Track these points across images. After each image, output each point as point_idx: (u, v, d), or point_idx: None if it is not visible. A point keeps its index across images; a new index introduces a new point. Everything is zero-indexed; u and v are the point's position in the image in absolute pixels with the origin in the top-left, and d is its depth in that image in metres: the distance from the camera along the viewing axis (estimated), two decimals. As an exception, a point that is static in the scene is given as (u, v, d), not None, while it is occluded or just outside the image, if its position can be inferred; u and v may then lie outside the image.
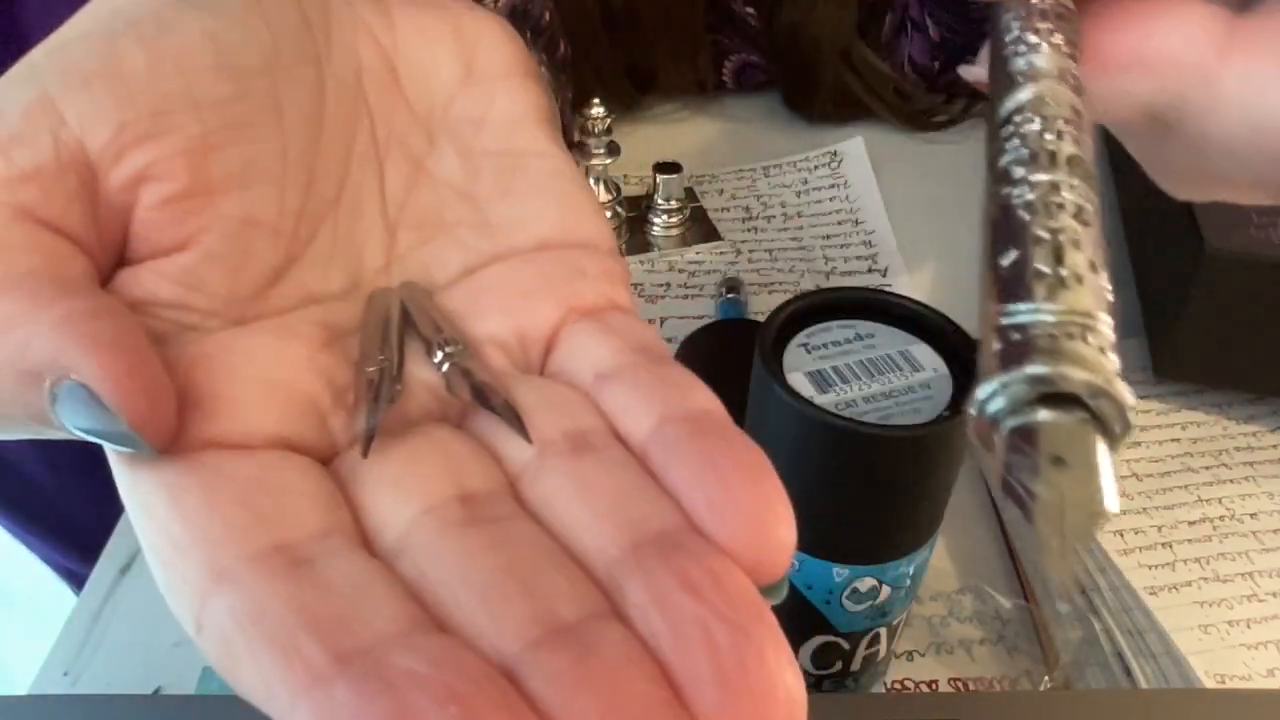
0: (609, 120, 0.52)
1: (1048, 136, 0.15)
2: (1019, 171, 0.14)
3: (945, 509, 0.29)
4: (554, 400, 0.18)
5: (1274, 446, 0.42)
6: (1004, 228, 0.14)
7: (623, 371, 0.18)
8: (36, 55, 0.18)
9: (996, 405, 0.13)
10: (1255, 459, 0.41)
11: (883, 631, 0.31)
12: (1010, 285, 0.13)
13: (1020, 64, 0.16)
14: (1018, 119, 0.15)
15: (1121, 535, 0.37)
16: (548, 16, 0.49)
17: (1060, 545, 0.12)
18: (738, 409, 0.29)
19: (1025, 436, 0.12)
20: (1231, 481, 0.40)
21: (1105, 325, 0.13)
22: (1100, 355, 0.12)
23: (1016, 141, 0.15)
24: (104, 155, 0.17)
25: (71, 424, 0.15)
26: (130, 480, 0.16)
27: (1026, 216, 0.14)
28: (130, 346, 0.15)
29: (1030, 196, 0.14)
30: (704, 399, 0.17)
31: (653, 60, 0.62)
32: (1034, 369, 0.12)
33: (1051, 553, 0.12)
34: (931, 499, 0.28)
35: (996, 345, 0.13)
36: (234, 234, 0.19)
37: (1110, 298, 0.13)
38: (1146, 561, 0.36)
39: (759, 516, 0.15)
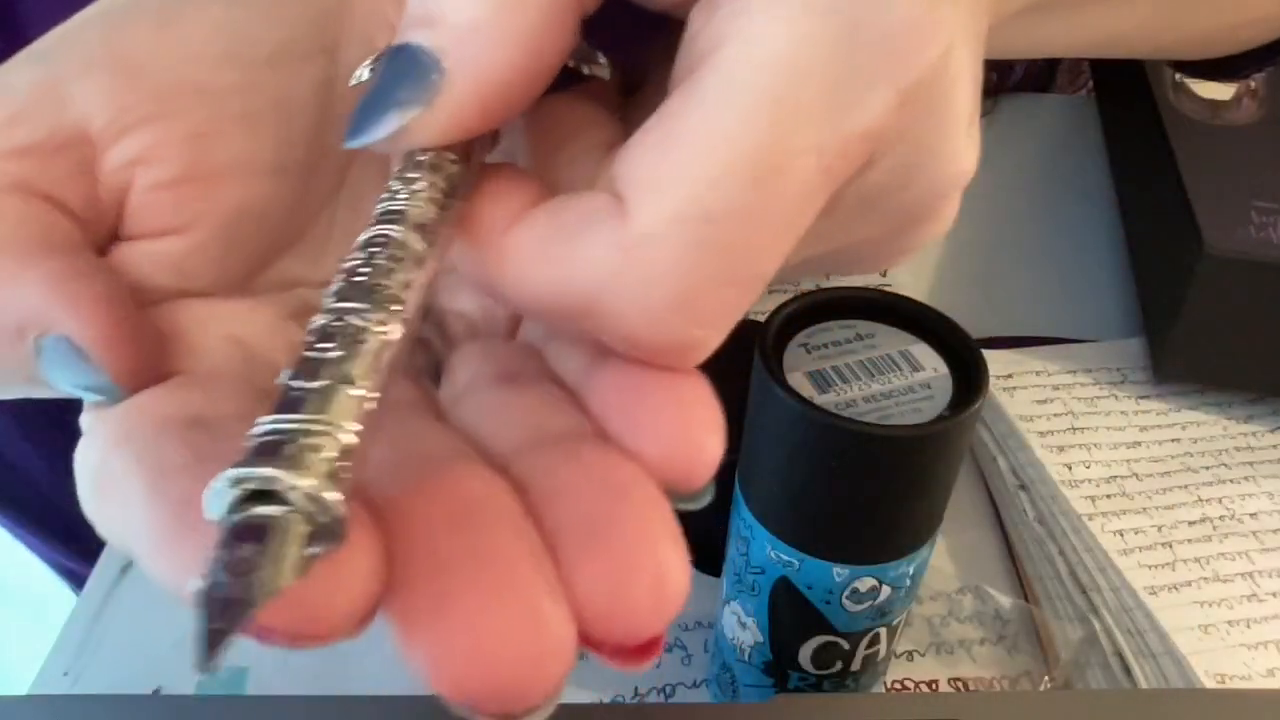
0: (609, 120, 0.52)
1: (363, 270, 0.14)
2: (326, 301, 0.14)
3: (945, 509, 0.29)
4: (494, 349, 0.19)
5: (1274, 446, 0.42)
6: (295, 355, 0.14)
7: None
8: (48, 39, 0.19)
9: (214, 506, 0.13)
10: (1255, 459, 0.41)
11: (883, 631, 0.31)
12: (275, 401, 0.13)
13: (374, 209, 0.16)
14: (345, 258, 0.15)
15: (1121, 535, 0.37)
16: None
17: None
18: (738, 409, 0.29)
19: (228, 531, 0.12)
20: (1231, 481, 0.40)
21: (338, 431, 0.13)
22: (311, 454, 0.12)
23: (339, 276, 0.15)
24: (104, 134, 0.18)
25: (56, 379, 0.15)
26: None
27: (309, 339, 0.14)
28: (113, 302, 0.16)
29: (320, 322, 0.14)
30: None
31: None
32: (233, 472, 0.12)
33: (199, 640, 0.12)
34: (931, 499, 0.28)
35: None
36: (227, 224, 0.19)
37: (367, 406, 0.13)
38: (1146, 561, 0.36)
39: (679, 420, 0.15)
